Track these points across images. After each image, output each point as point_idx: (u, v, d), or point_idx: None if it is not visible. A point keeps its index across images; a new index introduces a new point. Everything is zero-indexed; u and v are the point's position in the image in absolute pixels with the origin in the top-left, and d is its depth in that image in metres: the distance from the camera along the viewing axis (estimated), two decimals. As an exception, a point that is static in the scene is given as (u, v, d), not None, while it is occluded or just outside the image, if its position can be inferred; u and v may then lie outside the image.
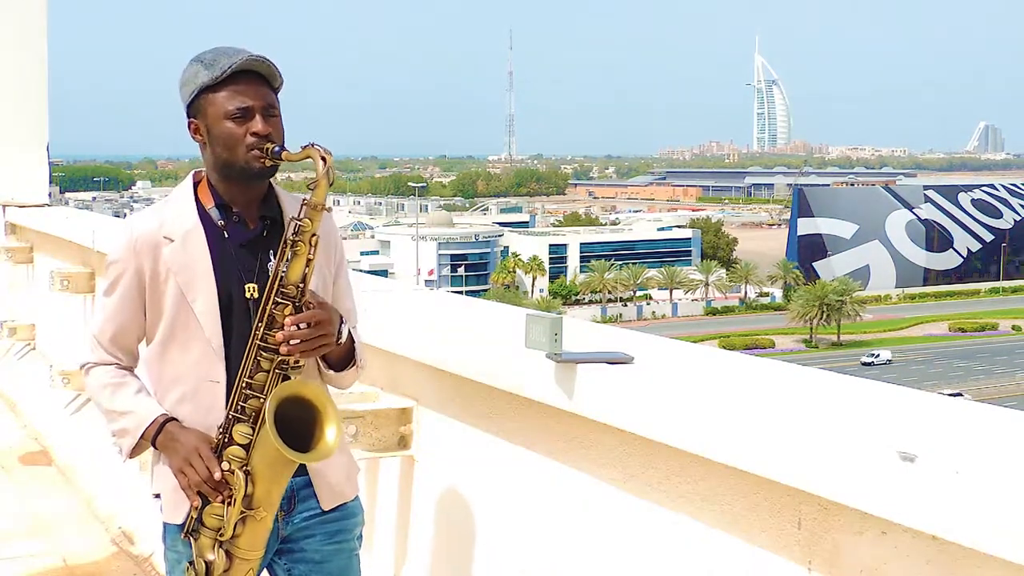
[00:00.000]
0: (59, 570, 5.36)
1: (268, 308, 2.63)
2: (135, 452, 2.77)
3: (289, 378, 2.67)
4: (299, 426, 2.63)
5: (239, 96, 2.67)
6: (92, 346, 2.81)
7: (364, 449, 3.83)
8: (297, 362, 2.66)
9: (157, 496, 2.84)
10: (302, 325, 2.63)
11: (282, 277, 2.63)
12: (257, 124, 2.67)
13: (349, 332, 2.78)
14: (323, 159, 2.61)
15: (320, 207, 2.63)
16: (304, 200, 2.64)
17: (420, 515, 3.92)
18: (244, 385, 2.64)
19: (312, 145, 2.62)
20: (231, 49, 2.70)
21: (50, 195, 10.39)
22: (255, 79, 2.70)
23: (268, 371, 2.64)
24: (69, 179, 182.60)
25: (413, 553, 3.94)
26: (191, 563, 2.70)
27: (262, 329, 2.63)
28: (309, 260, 2.63)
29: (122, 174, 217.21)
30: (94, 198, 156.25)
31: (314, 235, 2.63)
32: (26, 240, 9.47)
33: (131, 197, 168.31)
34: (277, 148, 2.66)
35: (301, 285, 2.63)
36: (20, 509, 6.25)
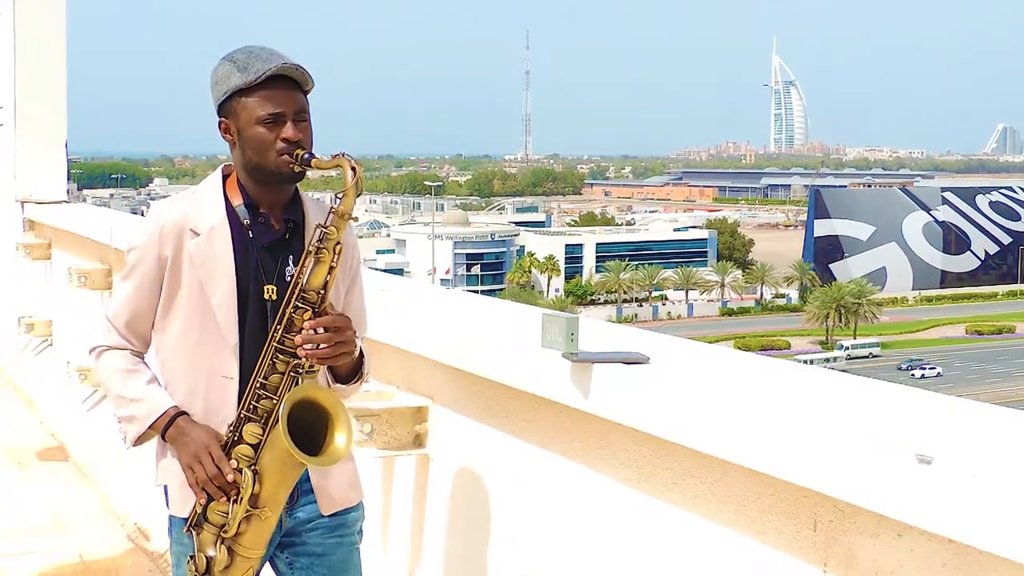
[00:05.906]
0: (75, 566, 5.38)
1: (288, 312, 2.65)
2: (140, 441, 2.80)
3: (300, 382, 2.69)
4: (310, 430, 2.65)
5: (271, 101, 2.70)
6: (106, 329, 2.84)
7: (379, 447, 3.83)
8: (312, 367, 2.68)
9: (164, 487, 2.86)
10: (320, 329, 2.65)
11: (303, 282, 2.65)
12: (288, 130, 2.70)
13: (360, 348, 2.80)
14: (353, 169, 2.63)
15: (347, 216, 2.66)
16: (332, 208, 2.67)
17: (435, 514, 3.92)
18: (258, 385, 2.67)
19: (343, 155, 2.65)
20: (264, 51, 2.73)
21: (68, 192, 10.42)
22: (287, 84, 2.73)
23: (283, 373, 2.66)
24: (87, 176, 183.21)
25: (428, 552, 3.94)
26: (192, 557, 2.72)
27: (280, 332, 2.66)
28: (332, 268, 2.66)
29: (139, 171, 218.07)
30: (112, 195, 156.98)
31: (338, 243, 2.66)
32: (44, 236, 9.52)
33: (148, 194, 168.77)
34: (307, 155, 2.69)
35: (322, 292, 2.66)
36: (37, 505, 6.28)
